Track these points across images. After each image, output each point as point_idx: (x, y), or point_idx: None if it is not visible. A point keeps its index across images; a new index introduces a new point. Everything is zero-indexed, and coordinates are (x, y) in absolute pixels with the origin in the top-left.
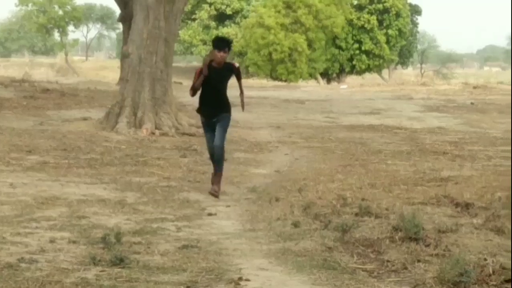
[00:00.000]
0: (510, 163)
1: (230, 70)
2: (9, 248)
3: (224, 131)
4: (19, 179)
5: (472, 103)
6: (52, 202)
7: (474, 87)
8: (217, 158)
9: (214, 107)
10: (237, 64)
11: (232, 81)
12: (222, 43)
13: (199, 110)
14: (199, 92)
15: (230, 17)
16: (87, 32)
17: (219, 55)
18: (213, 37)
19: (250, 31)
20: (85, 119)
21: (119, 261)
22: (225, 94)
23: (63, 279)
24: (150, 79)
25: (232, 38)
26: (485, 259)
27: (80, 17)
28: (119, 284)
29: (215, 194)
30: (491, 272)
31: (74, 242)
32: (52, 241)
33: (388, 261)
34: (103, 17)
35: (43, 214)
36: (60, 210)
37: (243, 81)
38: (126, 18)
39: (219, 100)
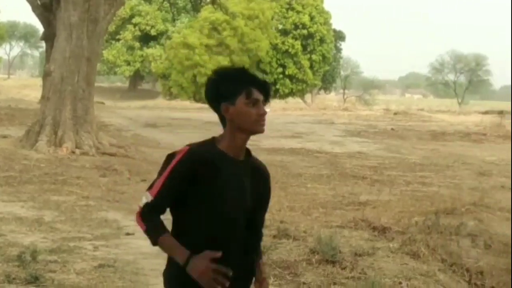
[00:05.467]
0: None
1: (263, 176)
2: None
3: None
4: None
5: (392, 129)
6: None
7: (395, 113)
8: None
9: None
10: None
11: None
12: (262, 86)
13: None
14: None
15: (154, 38)
16: (10, 50)
17: (260, 114)
18: (218, 73)
19: (174, 51)
20: (4, 137)
21: (34, 279)
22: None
23: None
24: (71, 98)
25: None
26: (400, 283)
27: (3, 34)
28: None
29: None
30: None
31: None
32: None
33: (304, 283)
34: (27, 35)
35: None
36: None
37: (165, 102)
38: (49, 37)
39: (246, 261)
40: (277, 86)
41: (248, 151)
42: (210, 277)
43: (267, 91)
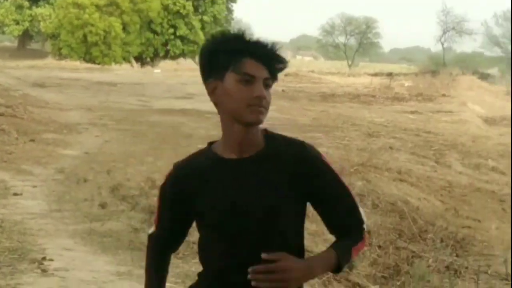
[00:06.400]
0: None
1: (295, 168)
2: None
3: None
4: None
5: (283, 91)
6: None
7: (286, 75)
8: None
9: None
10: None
11: None
12: (265, 56)
13: None
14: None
15: None
16: None
17: (254, 96)
18: (207, 42)
19: (64, 11)
20: None
21: None
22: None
23: None
24: None
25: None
26: None
27: None
28: None
29: None
30: None
31: None
32: None
33: (194, 243)
34: None
35: None
36: None
37: (54, 63)
38: None
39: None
40: (168, 47)
41: (269, 138)
42: None
43: (273, 62)
